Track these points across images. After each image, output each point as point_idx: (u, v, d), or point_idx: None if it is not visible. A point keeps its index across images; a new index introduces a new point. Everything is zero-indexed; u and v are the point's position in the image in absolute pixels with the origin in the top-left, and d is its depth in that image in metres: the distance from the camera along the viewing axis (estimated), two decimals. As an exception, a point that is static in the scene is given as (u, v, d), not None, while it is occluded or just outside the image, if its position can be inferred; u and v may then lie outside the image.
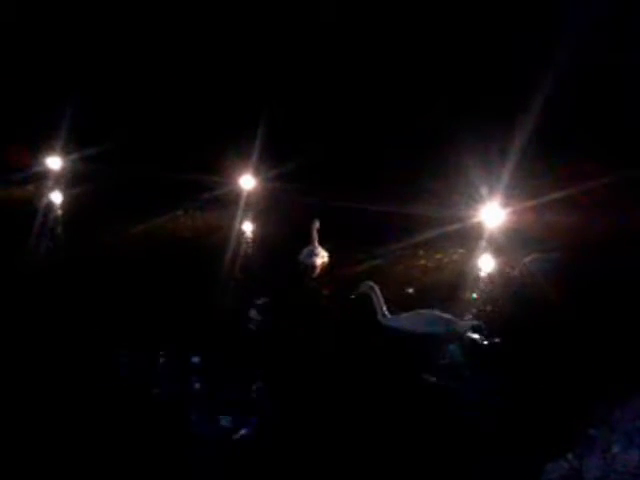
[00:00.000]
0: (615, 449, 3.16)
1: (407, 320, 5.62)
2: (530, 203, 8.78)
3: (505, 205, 8.90)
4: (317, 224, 7.87)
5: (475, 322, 5.69)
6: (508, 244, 8.05)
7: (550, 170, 9.13)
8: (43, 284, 6.98)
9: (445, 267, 7.59)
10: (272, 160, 10.89)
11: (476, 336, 5.58)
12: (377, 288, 5.77)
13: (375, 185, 9.90)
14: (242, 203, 10.16)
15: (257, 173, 10.89)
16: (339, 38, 11.83)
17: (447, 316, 5.58)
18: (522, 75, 10.15)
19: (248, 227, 9.41)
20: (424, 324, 5.54)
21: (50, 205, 10.61)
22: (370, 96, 11.46)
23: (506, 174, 9.18)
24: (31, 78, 13.30)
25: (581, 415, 3.88)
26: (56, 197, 11.19)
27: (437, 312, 5.61)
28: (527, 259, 7.34)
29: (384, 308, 5.72)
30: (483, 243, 8.29)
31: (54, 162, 12.57)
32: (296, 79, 12.11)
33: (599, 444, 3.25)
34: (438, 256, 7.89)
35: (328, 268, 7.64)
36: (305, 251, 7.81)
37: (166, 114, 12.27)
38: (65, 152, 12.70)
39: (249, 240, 8.83)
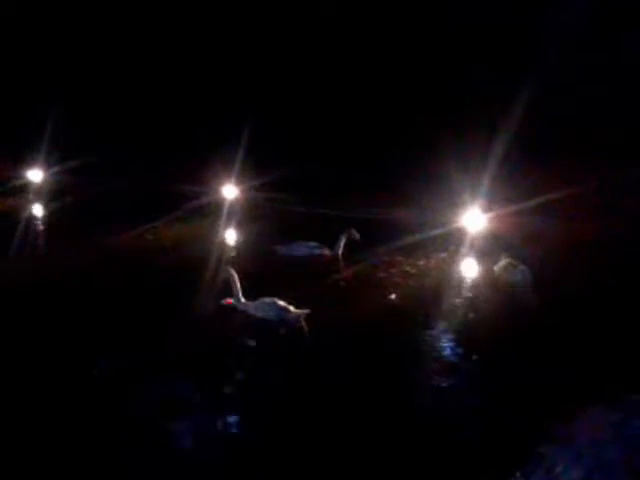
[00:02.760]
0: (558, 468, 3.11)
1: (252, 306, 6.25)
2: (511, 208, 8.79)
3: (486, 210, 8.90)
4: (353, 232, 8.00)
5: (306, 311, 6.08)
6: (488, 249, 8.03)
7: (531, 176, 9.13)
8: (22, 295, 6.89)
9: (426, 272, 7.55)
10: (254, 169, 10.86)
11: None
12: (235, 275, 6.35)
13: (356, 192, 9.88)
14: (224, 212, 10.11)
15: (239, 182, 10.85)
16: (320, 48, 11.89)
17: (284, 305, 6.11)
18: (503, 81, 10.18)
19: (230, 236, 9.35)
20: (262, 310, 6.16)
21: (31, 217, 10.50)
22: (352, 104, 11.48)
23: (487, 179, 9.21)
24: (12, 91, 13.28)
25: (534, 432, 3.81)
26: (37, 210, 11.09)
27: (277, 301, 6.14)
28: (497, 267, 7.30)
29: (240, 294, 6.31)
30: (464, 248, 8.27)
31: (35, 175, 12.49)
32: (278, 88, 12.13)
33: (545, 462, 3.19)
34: (420, 261, 7.86)
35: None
36: (296, 245, 7.93)
37: (147, 125, 12.23)
38: (46, 165, 12.63)
39: (230, 249, 8.77)
